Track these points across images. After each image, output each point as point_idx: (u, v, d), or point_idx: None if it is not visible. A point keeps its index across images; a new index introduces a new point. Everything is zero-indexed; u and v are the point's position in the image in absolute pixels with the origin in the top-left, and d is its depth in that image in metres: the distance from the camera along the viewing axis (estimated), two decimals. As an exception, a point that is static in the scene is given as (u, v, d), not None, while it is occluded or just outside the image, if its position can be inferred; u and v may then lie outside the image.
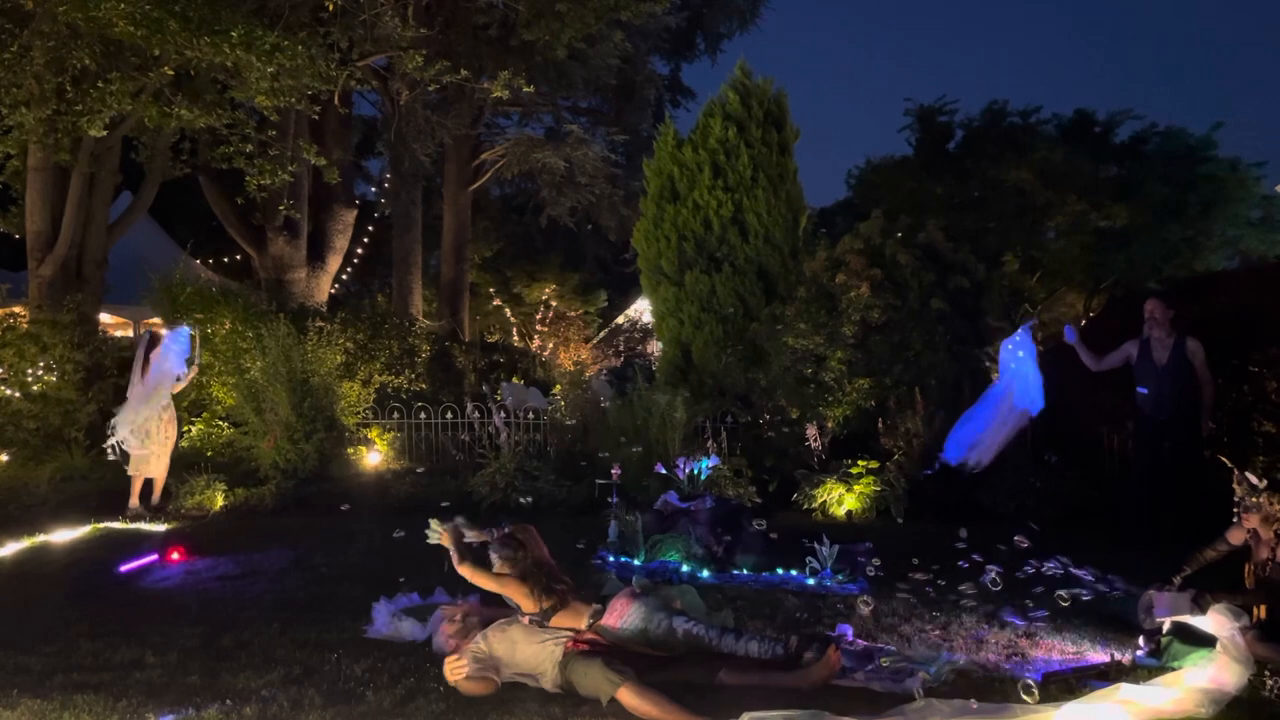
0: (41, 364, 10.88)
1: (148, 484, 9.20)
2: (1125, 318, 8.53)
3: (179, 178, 15.08)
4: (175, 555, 7.08)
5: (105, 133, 10.97)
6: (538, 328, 24.06)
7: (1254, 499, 4.67)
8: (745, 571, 6.44)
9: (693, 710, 3.87)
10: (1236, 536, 4.79)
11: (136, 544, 7.62)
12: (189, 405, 10.76)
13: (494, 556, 4.74)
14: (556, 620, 4.51)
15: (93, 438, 10.73)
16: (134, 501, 9.02)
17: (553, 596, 4.55)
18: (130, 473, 9.06)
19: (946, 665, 4.44)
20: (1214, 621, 4.47)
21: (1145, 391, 7.45)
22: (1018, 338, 7.89)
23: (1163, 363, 7.37)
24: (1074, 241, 17.81)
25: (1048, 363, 9.18)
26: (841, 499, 8.55)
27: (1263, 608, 4.51)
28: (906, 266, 9.50)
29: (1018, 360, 7.83)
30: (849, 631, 4.96)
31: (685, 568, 6.48)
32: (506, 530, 4.90)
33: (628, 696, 3.94)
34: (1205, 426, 7.40)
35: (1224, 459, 5.02)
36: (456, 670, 4.09)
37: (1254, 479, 4.76)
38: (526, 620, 4.47)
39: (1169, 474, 7.26)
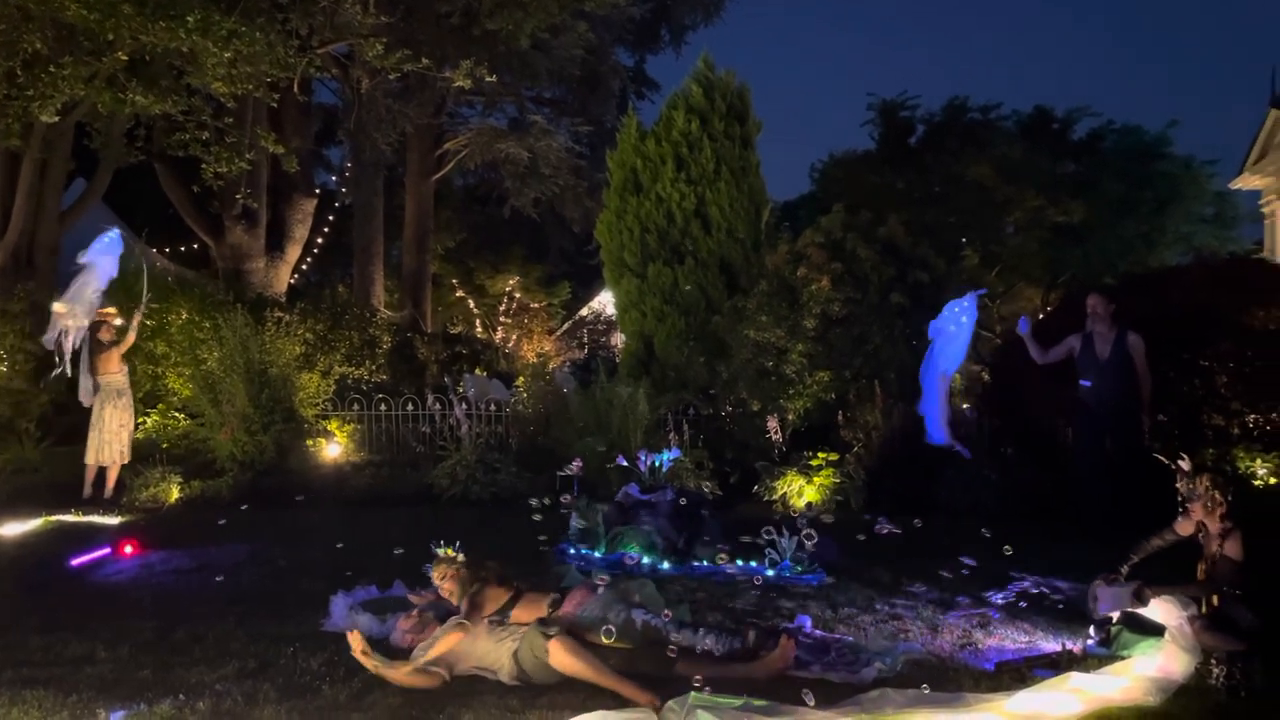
0: (-9, 354, 10.66)
1: (101, 474, 9.07)
2: (1081, 313, 8.66)
3: (134, 165, 14.81)
4: (129, 549, 6.96)
5: (57, 118, 10.75)
6: (501, 319, 23.98)
7: (1190, 485, 4.74)
8: (705, 563, 6.46)
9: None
10: (1184, 527, 4.86)
11: (89, 537, 7.49)
12: (144, 396, 10.60)
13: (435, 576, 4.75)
14: (515, 614, 4.51)
15: (44, 429, 10.55)
16: (86, 490, 8.90)
17: (509, 589, 4.54)
18: (86, 461, 8.98)
19: (902, 655, 4.49)
20: (1162, 611, 4.57)
21: (1088, 385, 7.58)
22: (966, 303, 7.92)
23: (1104, 357, 7.49)
24: (1032, 237, 18.05)
25: (1004, 357, 9.31)
26: (801, 491, 8.60)
27: (1215, 597, 4.58)
28: (867, 261, 9.57)
29: (959, 324, 7.87)
30: (807, 623, 5.00)
31: (646, 560, 6.49)
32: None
33: (558, 649, 3.99)
34: (1145, 421, 7.53)
35: (1160, 456, 5.07)
36: (364, 657, 4.09)
37: (1185, 464, 4.83)
38: (486, 620, 4.45)
39: (1120, 467, 7.38)
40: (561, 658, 3.99)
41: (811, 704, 3.78)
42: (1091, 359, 7.56)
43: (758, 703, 3.78)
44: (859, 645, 4.67)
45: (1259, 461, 7.99)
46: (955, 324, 7.89)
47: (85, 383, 9.17)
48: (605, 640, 4.27)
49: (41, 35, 10.04)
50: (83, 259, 9.17)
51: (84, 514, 8.48)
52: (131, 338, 9.35)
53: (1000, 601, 5.46)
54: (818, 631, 4.90)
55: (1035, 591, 5.59)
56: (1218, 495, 4.65)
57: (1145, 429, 7.59)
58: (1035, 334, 8.06)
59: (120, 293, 11.24)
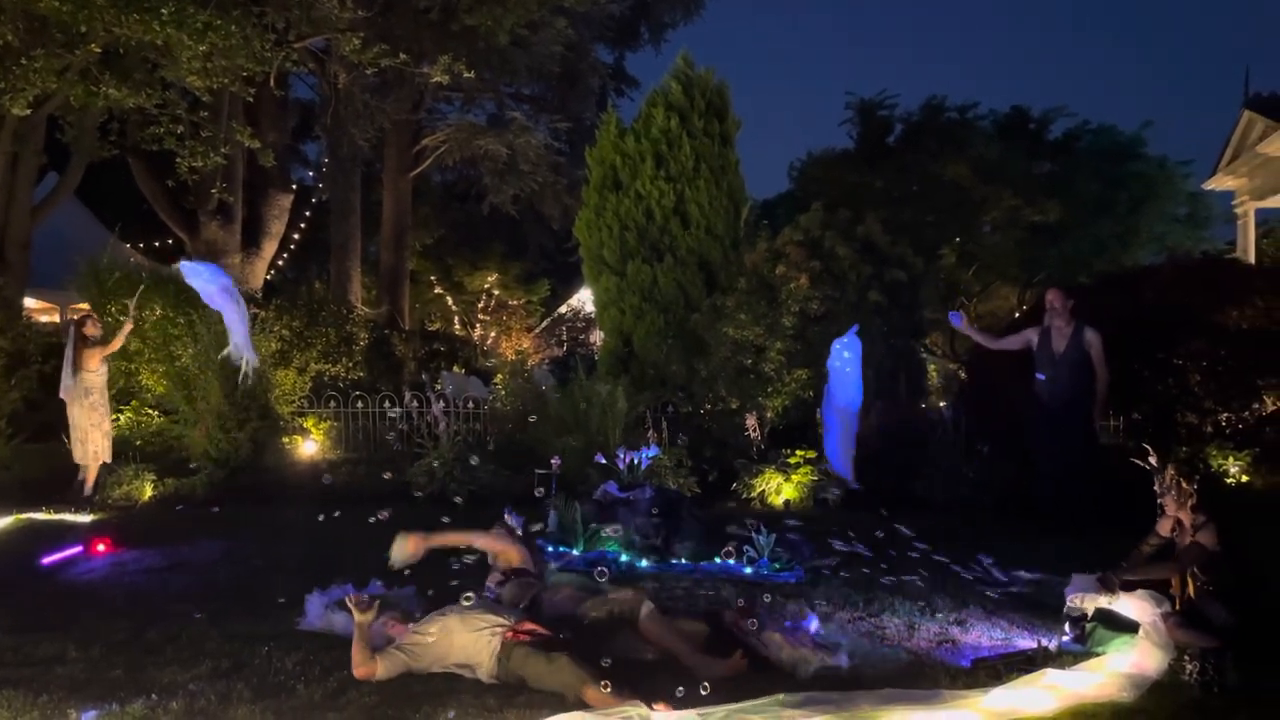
0: (-40, 350, 10.48)
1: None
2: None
3: (107, 159, 14.65)
4: (101, 547, 6.89)
5: (29, 111, 10.63)
6: (479, 316, 23.91)
7: (1159, 479, 4.76)
8: (684, 561, 6.47)
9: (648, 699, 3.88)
10: (1164, 527, 4.88)
11: (60, 535, 7.39)
12: (117, 393, 10.48)
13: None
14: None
15: (15, 426, 10.41)
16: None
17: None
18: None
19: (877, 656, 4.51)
20: (1136, 608, 4.60)
21: (1043, 378, 7.64)
22: (846, 339, 8.15)
23: (1060, 351, 7.55)
24: (1008, 236, 18.14)
25: (978, 355, 9.37)
26: (780, 488, 8.62)
27: (1191, 585, 4.61)
28: (845, 259, 9.60)
29: (843, 360, 8.07)
30: (813, 622, 4.91)
31: (624, 557, 6.48)
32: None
33: (594, 694, 3.93)
34: (1096, 417, 7.60)
35: (1135, 460, 5.09)
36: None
37: (1152, 459, 4.86)
38: (463, 612, 4.44)
39: (1072, 461, 7.43)
40: (597, 698, 3.94)
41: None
42: (1048, 353, 7.62)
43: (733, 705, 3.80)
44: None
45: (1231, 459, 8.09)
46: (839, 359, 8.09)
47: (66, 379, 9.05)
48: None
49: (13, 27, 9.91)
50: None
51: (55, 512, 8.37)
52: (117, 343, 9.21)
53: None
54: (817, 629, 4.85)
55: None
56: (1184, 484, 4.68)
57: (1096, 425, 7.67)
58: (1010, 334, 8.13)
59: (93, 288, 11.15)
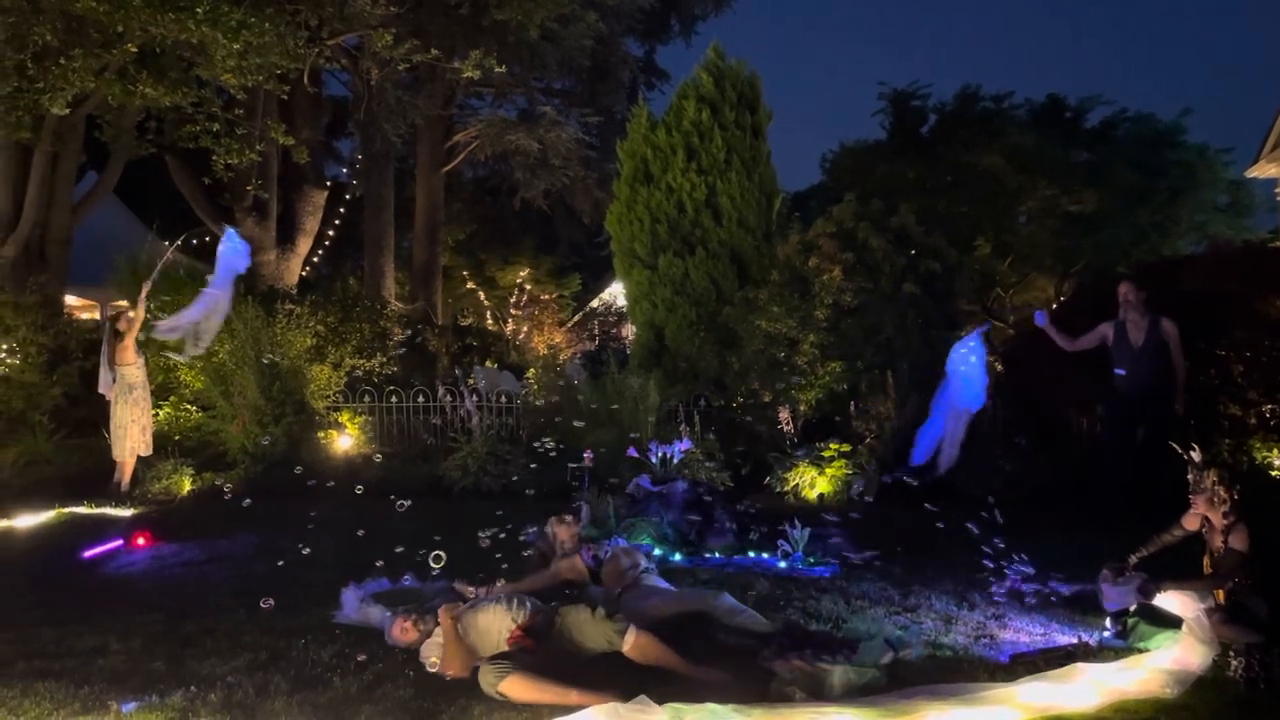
0: (4, 346, 10.66)
1: (121, 467, 9.07)
2: (1095, 301, 8.58)
3: (145, 157, 14.84)
4: (140, 541, 6.99)
5: (68, 111, 10.76)
6: (512, 311, 23.96)
7: (1198, 478, 4.67)
8: (717, 555, 6.45)
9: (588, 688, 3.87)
10: (1190, 522, 4.79)
11: (101, 529, 7.51)
12: (156, 389, 10.62)
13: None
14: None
15: (57, 421, 10.59)
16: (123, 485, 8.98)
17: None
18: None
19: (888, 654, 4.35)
20: (1179, 603, 4.52)
21: (1123, 373, 7.51)
22: (971, 342, 8.02)
23: (1139, 344, 7.43)
24: (1044, 226, 17.94)
25: (1016, 347, 9.23)
26: (813, 482, 8.57)
27: (1219, 593, 4.53)
28: (878, 250, 9.51)
29: (968, 364, 7.96)
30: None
31: (657, 551, 6.47)
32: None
33: (510, 686, 3.92)
34: (1179, 408, 7.47)
35: (1174, 445, 4.99)
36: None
37: (1195, 455, 4.76)
38: (499, 605, 4.44)
39: (1150, 454, 7.30)
40: (515, 690, 3.94)
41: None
42: (1126, 347, 7.49)
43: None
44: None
45: (1276, 451, 7.92)
46: (965, 364, 7.97)
47: (104, 376, 9.16)
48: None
49: (51, 27, 10.04)
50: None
51: (96, 506, 8.49)
52: (133, 331, 9.04)
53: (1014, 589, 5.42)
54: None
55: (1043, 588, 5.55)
56: (1223, 492, 4.58)
57: (1179, 415, 7.54)
58: (1052, 324, 8.01)
59: (132, 285, 11.29)
